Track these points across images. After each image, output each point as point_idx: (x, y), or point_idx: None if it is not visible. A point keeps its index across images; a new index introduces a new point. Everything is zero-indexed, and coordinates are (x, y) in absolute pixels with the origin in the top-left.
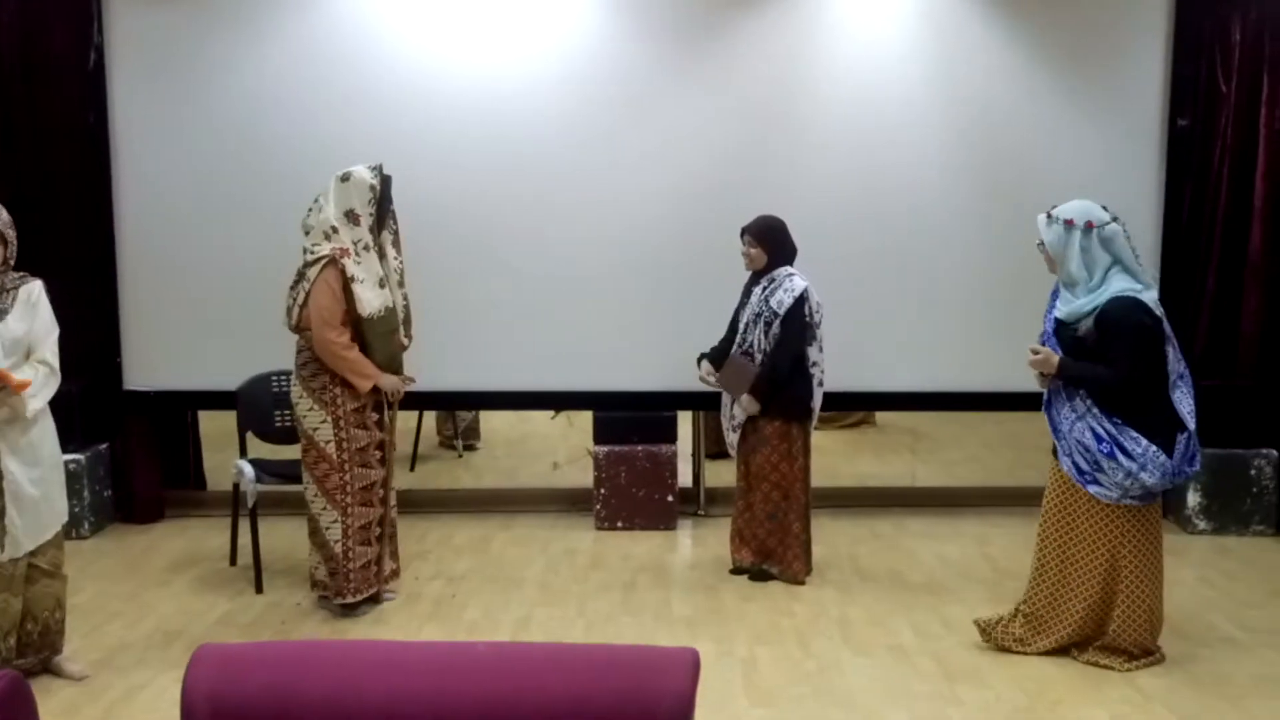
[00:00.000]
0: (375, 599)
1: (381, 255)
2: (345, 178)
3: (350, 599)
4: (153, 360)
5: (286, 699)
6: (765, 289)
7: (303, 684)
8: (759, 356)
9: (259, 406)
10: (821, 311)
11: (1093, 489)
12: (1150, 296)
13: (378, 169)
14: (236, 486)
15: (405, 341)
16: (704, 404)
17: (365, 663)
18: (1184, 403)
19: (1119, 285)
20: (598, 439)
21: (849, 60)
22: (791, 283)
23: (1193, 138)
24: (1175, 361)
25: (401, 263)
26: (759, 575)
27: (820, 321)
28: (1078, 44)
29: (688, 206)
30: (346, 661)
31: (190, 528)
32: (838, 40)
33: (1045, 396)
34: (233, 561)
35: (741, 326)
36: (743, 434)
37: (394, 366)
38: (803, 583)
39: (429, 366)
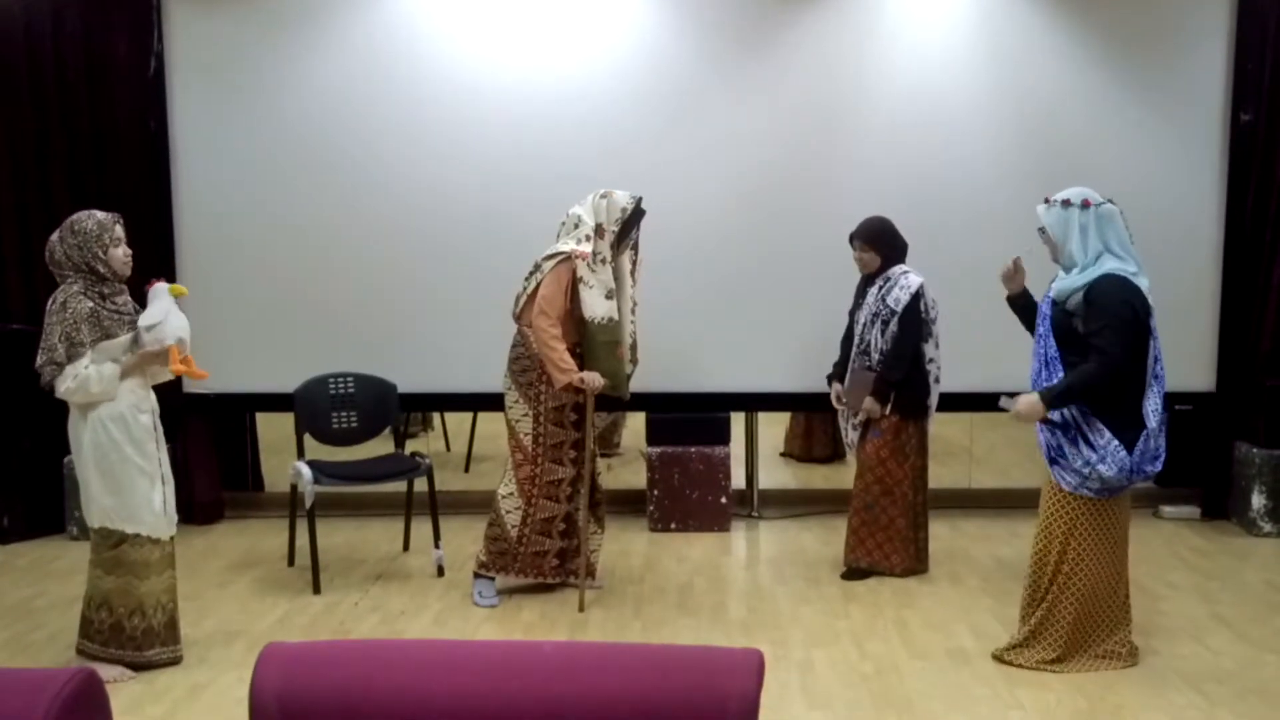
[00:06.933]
0: (549, 587)
1: (618, 275)
2: (605, 195)
3: (514, 578)
4: (211, 363)
5: (354, 697)
6: (881, 288)
7: (371, 683)
8: (876, 356)
9: (316, 408)
10: (937, 308)
11: (1054, 470)
12: (1143, 282)
13: (638, 199)
14: (294, 488)
15: (630, 365)
16: (757, 405)
17: (433, 662)
18: (1151, 400)
19: (1111, 265)
20: (651, 440)
21: (905, 57)
22: (907, 280)
23: (1256, 132)
24: (1154, 360)
25: (634, 295)
26: (849, 574)
27: (936, 318)
28: (1138, 39)
29: (742, 207)
30: (414, 660)
31: (249, 529)
32: (894, 37)
33: (1032, 378)
34: (291, 562)
35: (859, 328)
36: (861, 433)
37: (615, 380)
38: (901, 577)
39: (480, 368)
